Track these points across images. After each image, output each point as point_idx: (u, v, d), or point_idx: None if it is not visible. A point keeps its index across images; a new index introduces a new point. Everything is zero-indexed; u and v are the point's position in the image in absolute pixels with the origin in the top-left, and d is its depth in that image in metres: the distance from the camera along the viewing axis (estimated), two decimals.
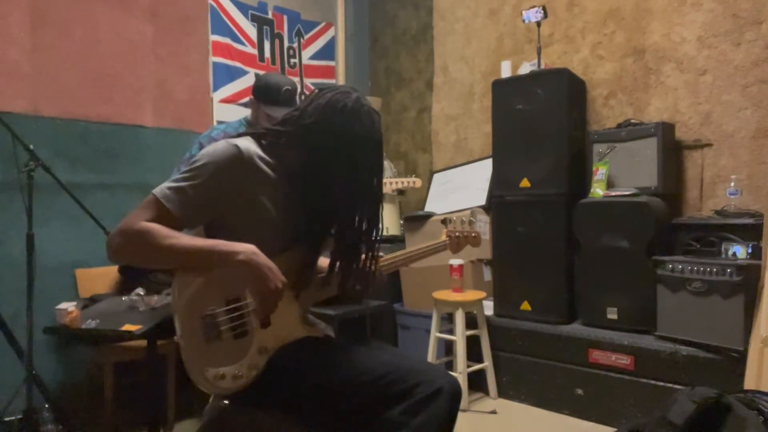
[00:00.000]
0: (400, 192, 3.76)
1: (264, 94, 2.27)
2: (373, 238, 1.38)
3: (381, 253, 1.50)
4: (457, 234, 1.91)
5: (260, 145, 1.32)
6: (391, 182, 3.54)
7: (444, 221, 1.97)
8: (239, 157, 1.25)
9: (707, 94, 2.83)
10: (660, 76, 2.99)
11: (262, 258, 1.20)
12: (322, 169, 1.30)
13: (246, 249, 1.19)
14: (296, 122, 1.34)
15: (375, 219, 1.38)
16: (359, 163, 1.32)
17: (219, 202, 1.25)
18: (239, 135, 1.35)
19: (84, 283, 2.77)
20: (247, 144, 1.29)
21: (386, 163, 3.99)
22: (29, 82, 2.69)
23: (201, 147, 2.34)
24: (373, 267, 1.42)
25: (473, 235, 1.94)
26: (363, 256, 1.39)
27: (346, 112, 1.30)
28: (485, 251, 3.15)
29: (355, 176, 1.32)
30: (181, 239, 1.17)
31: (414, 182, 3.52)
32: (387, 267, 1.60)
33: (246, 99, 2.53)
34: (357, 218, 1.35)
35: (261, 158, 1.30)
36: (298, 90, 2.51)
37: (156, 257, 1.20)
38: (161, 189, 1.20)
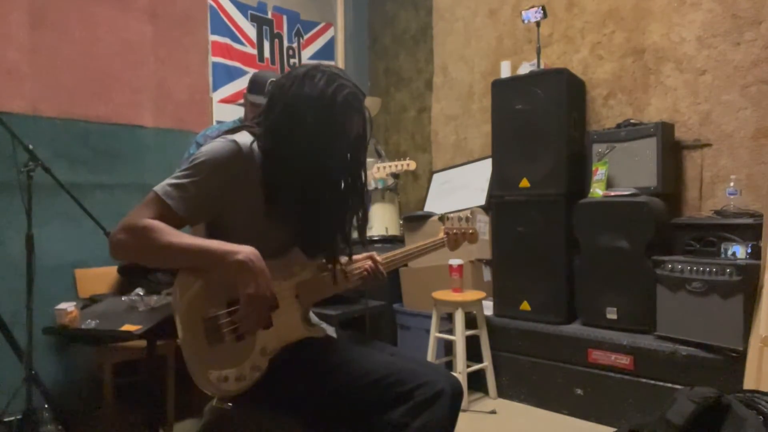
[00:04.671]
0: (395, 176, 3.68)
1: (252, 85, 2.39)
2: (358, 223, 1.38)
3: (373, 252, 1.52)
4: (454, 231, 1.92)
5: (255, 138, 1.31)
6: (384, 166, 3.48)
7: (441, 218, 1.98)
8: (238, 152, 1.25)
9: (707, 94, 2.84)
10: (659, 76, 3.00)
11: (258, 262, 1.18)
12: (287, 143, 1.27)
13: (245, 250, 1.18)
14: (266, 105, 1.35)
15: (354, 193, 1.37)
16: (317, 127, 1.27)
17: (220, 198, 1.24)
18: (235, 130, 1.34)
19: (83, 284, 2.77)
20: (245, 138, 1.29)
21: (377, 148, 3.93)
22: (28, 82, 2.69)
23: (198, 146, 2.38)
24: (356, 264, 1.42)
25: (470, 231, 1.95)
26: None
27: (298, 76, 1.30)
28: (485, 251, 3.15)
29: (320, 145, 1.28)
30: (182, 237, 1.17)
31: (408, 164, 3.43)
32: (385, 265, 1.60)
33: None
34: (335, 193, 1.35)
35: (257, 151, 1.29)
36: None
37: (157, 255, 1.19)
38: (162, 186, 1.20)
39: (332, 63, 4.35)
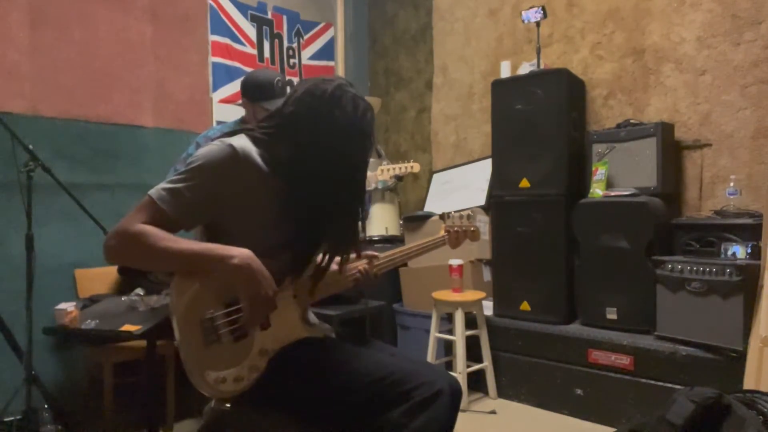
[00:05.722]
0: (399, 178, 3.67)
1: (258, 91, 2.24)
2: (354, 235, 1.38)
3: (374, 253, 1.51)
4: (455, 229, 1.88)
5: (254, 142, 1.31)
6: (388, 169, 3.47)
7: (442, 216, 1.95)
8: (235, 157, 1.24)
9: (706, 94, 2.83)
10: (659, 76, 2.99)
11: (256, 264, 1.18)
12: (304, 159, 1.28)
13: (242, 253, 1.18)
14: (281, 114, 1.33)
15: (357, 212, 1.37)
16: (342, 152, 1.29)
17: (216, 202, 1.24)
18: (233, 133, 1.34)
19: (83, 284, 2.77)
20: (242, 142, 1.28)
21: (377, 148, 3.94)
22: (29, 82, 2.69)
23: (198, 147, 2.35)
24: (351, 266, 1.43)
25: (472, 229, 1.91)
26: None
27: (325, 98, 1.29)
28: (485, 251, 3.15)
29: (338, 166, 1.30)
30: (177, 242, 1.16)
31: (412, 167, 3.42)
32: (386, 264, 1.59)
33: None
34: (344, 211, 1.35)
35: (256, 156, 1.28)
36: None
37: (152, 260, 1.20)
38: (157, 190, 1.19)
39: (332, 64, 4.35)
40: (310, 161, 1.28)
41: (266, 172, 1.29)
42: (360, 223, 1.41)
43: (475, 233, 1.93)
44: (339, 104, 1.28)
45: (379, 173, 3.45)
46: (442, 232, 1.88)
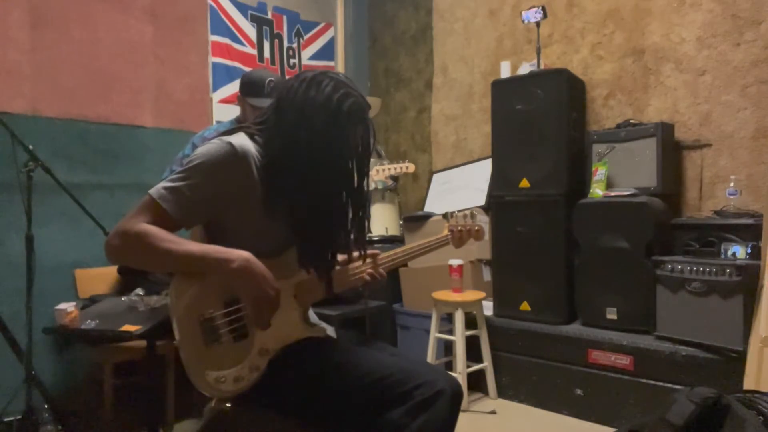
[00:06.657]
0: (394, 179, 3.66)
1: (249, 88, 2.31)
2: (358, 231, 1.36)
3: (375, 250, 1.50)
4: (459, 228, 1.85)
5: (252, 139, 1.31)
6: (383, 169, 3.46)
7: (445, 215, 1.93)
8: (234, 155, 1.23)
9: (706, 94, 2.84)
10: (659, 76, 3.00)
11: (256, 265, 1.18)
12: (292, 147, 1.27)
13: (240, 256, 1.17)
14: (271, 106, 1.34)
15: (355, 202, 1.34)
16: (323, 135, 1.26)
17: (216, 201, 1.24)
18: (231, 131, 1.34)
19: (83, 284, 2.77)
20: (241, 140, 1.27)
21: (377, 148, 3.93)
22: (28, 82, 2.69)
23: (194, 147, 2.36)
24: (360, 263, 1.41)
25: (476, 228, 1.88)
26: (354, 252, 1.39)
27: (305, 82, 1.28)
28: (485, 251, 3.15)
29: (323, 152, 1.27)
30: (179, 244, 1.16)
31: (407, 167, 3.40)
32: (388, 264, 1.59)
33: None
34: (337, 202, 1.32)
35: (254, 153, 1.28)
36: None
37: (152, 260, 1.20)
38: (157, 189, 1.19)
39: (332, 64, 4.35)
40: (292, 144, 1.26)
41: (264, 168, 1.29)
42: (360, 220, 1.37)
43: (479, 232, 1.91)
44: (318, 85, 1.27)
45: (374, 173, 3.45)
46: (446, 232, 1.85)
